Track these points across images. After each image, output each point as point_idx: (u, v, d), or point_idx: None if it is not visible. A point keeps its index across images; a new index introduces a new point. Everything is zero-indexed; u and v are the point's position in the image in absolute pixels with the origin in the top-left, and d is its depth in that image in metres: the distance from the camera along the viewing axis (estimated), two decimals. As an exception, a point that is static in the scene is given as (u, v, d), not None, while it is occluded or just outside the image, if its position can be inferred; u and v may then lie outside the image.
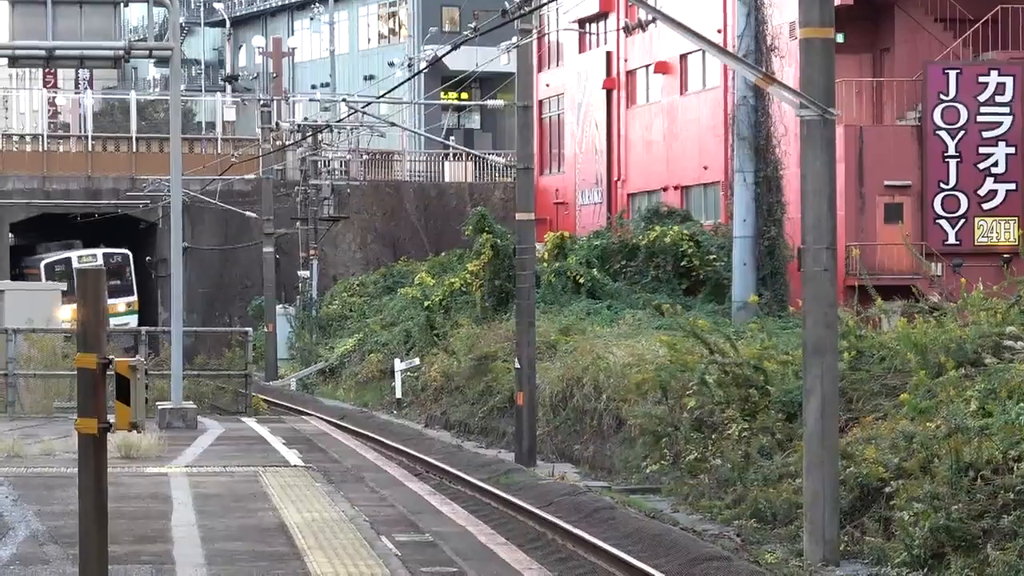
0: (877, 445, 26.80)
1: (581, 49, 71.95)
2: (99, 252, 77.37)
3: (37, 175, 78.77)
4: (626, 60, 66.63)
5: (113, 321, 68.25)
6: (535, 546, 25.53)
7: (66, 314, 59.22)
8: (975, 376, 28.01)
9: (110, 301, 67.27)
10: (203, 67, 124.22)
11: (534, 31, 50.42)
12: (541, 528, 28.31)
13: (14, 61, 50.82)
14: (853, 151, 50.03)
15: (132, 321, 74.33)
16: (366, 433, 45.38)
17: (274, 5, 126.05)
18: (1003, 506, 22.85)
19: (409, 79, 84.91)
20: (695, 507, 30.80)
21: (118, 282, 74.66)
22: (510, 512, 30.41)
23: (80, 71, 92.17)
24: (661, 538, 27.49)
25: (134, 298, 78.50)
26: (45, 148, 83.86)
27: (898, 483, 25.41)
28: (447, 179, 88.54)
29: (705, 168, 59.28)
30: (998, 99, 51.63)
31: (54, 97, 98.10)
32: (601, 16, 67.37)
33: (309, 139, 73.66)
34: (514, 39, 46.51)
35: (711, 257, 53.82)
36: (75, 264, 72.30)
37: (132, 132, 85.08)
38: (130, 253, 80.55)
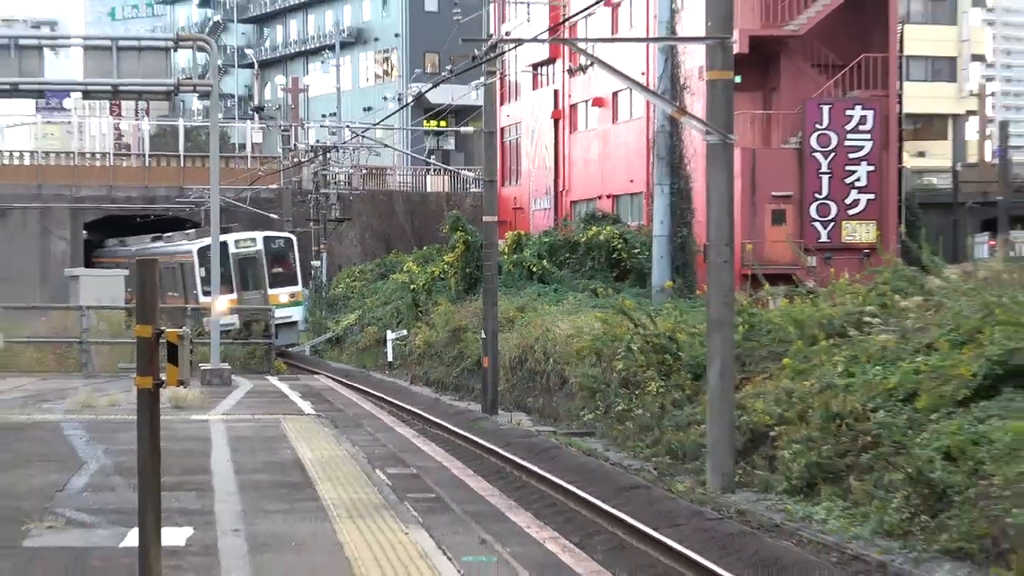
0: (764, 399, 26.93)
1: (534, 87, 71.79)
2: (259, 236, 57.48)
3: (105, 185, 78.30)
4: (570, 96, 66.53)
5: (277, 313, 51.26)
6: (497, 477, 25.62)
7: (222, 305, 49.07)
8: (841, 345, 28.17)
9: (272, 291, 55.35)
10: (236, 100, 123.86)
11: (497, 73, 50.55)
12: (502, 463, 28.40)
13: (87, 95, 51.02)
14: (747, 168, 50.10)
15: (296, 314, 56.77)
16: (364, 389, 45.33)
17: (293, 51, 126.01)
18: (862, 447, 23.01)
19: (399, 110, 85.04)
20: (622, 447, 30.89)
21: (281, 270, 55.35)
22: (478, 451, 30.48)
23: (139, 103, 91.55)
24: (595, 471, 27.56)
25: (299, 288, 57.68)
26: (111, 164, 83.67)
27: (780, 429, 25.56)
28: (429, 189, 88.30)
29: (631, 181, 59.17)
30: (861, 128, 51.85)
31: (118, 123, 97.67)
32: (550, 61, 67.21)
33: (320, 157, 73.52)
34: (482, 79, 46.64)
35: (636, 251, 53.82)
36: (232, 249, 54.55)
37: (180, 151, 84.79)
38: (294, 238, 60.37)
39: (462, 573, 12.64)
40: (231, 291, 53.72)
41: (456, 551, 13.57)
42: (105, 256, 76.12)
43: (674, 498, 24.29)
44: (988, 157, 73.48)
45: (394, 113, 79.80)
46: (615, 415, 32.82)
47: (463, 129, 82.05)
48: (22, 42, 47.61)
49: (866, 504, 21.33)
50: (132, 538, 12.28)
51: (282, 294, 55.44)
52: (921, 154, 74.32)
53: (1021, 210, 59.84)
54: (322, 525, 14.80)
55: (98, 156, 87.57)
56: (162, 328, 11.39)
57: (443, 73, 66.54)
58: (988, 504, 18.67)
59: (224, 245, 50.46)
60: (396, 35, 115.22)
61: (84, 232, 76.83)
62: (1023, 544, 17.33)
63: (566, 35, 56.82)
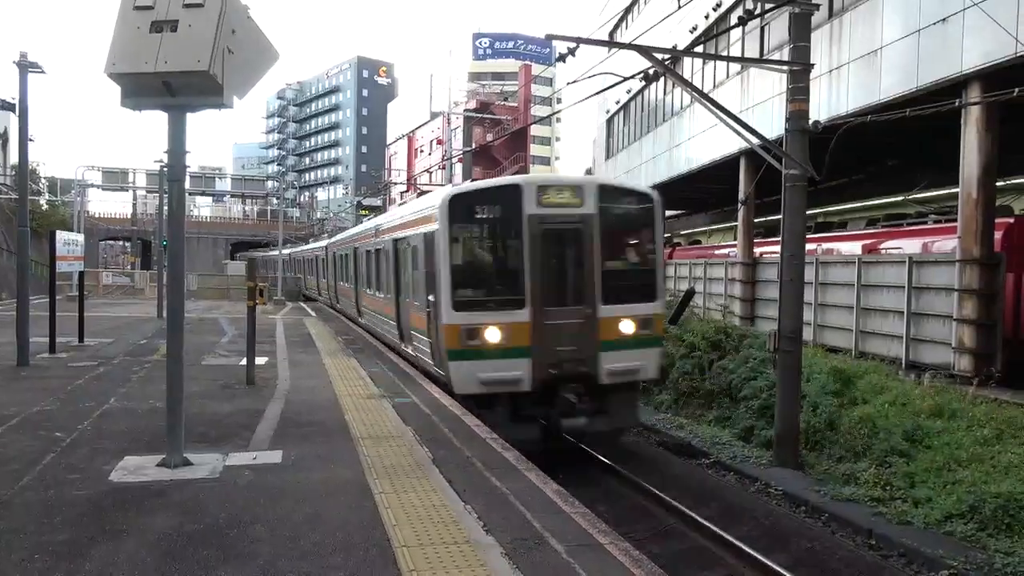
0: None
1: (400, 202, 70.54)
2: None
3: (236, 229, 74.75)
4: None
5: None
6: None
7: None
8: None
9: None
10: (291, 199, 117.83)
11: (388, 194, 49.67)
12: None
13: (233, 196, 48.45)
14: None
15: None
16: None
17: (313, 183, 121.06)
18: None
19: (351, 206, 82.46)
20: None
21: None
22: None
23: (253, 199, 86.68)
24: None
25: None
26: (240, 221, 79.88)
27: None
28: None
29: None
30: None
31: (244, 207, 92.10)
32: (407, 190, 66.24)
33: (320, 223, 71.11)
34: (381, 196, 45.94)
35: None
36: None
37: (268, 218, 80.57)
38: None
39: (368, 373, 12.49)
40: None
41: (367, 367, 13.39)
42: (238, 257, 71.86)
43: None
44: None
45: (346, 207, 77.60)
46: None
47: (375, 214, 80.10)
48: (207, 175, 45.96)
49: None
50: (243, 361, 11.83)
51: None
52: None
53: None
54: (317, 357, 14.41)
55: (235, 219, 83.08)
56: (256, 283, 10.96)
57: (365, 194, 64.94)
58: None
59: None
60: (351, 179, 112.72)
61: (229, 247, 72.89)
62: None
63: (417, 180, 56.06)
